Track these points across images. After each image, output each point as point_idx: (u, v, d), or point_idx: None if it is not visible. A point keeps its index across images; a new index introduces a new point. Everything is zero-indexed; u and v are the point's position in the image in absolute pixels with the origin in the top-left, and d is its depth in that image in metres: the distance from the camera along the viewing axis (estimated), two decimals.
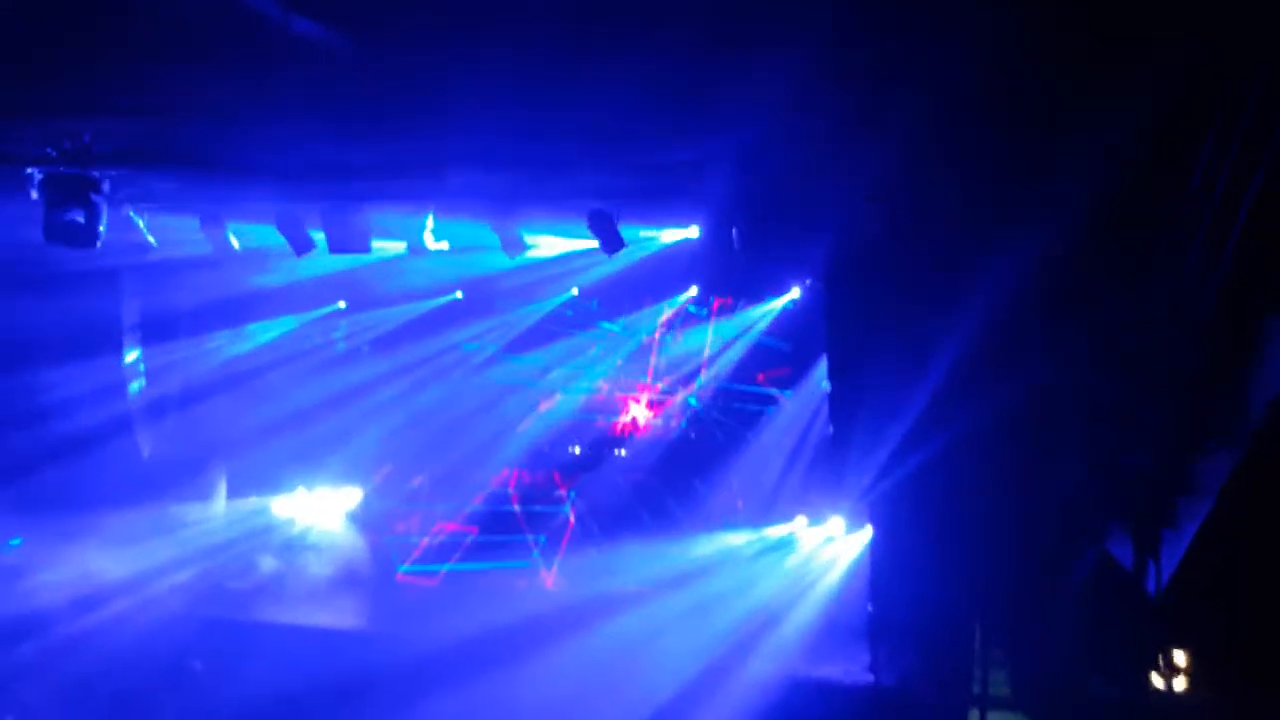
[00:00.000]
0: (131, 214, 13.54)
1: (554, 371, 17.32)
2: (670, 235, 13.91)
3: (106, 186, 10.44)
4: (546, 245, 13.88)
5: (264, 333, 17.25)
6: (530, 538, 16.49)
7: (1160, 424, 9.07)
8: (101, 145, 9.84)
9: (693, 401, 16.95)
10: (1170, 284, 8.33)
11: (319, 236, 13.17)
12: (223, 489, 17.72)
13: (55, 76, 8.94)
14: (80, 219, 10.20)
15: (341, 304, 17.47)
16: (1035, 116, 8.45)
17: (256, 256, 14.31)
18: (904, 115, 8.68)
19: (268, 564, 16.62)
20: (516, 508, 17.00)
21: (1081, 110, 8.06)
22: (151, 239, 13.99)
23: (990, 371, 10.24)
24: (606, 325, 17.07)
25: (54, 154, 10.01)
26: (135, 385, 16.56)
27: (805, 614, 14.08)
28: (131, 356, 16.38)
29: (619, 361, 17.26)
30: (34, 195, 10.19)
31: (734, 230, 12.31)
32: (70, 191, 10.11)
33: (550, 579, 16.13)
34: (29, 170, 10.02)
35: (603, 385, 17.27)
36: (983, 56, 7.50)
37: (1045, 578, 10.62)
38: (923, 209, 10.43)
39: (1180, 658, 9.44)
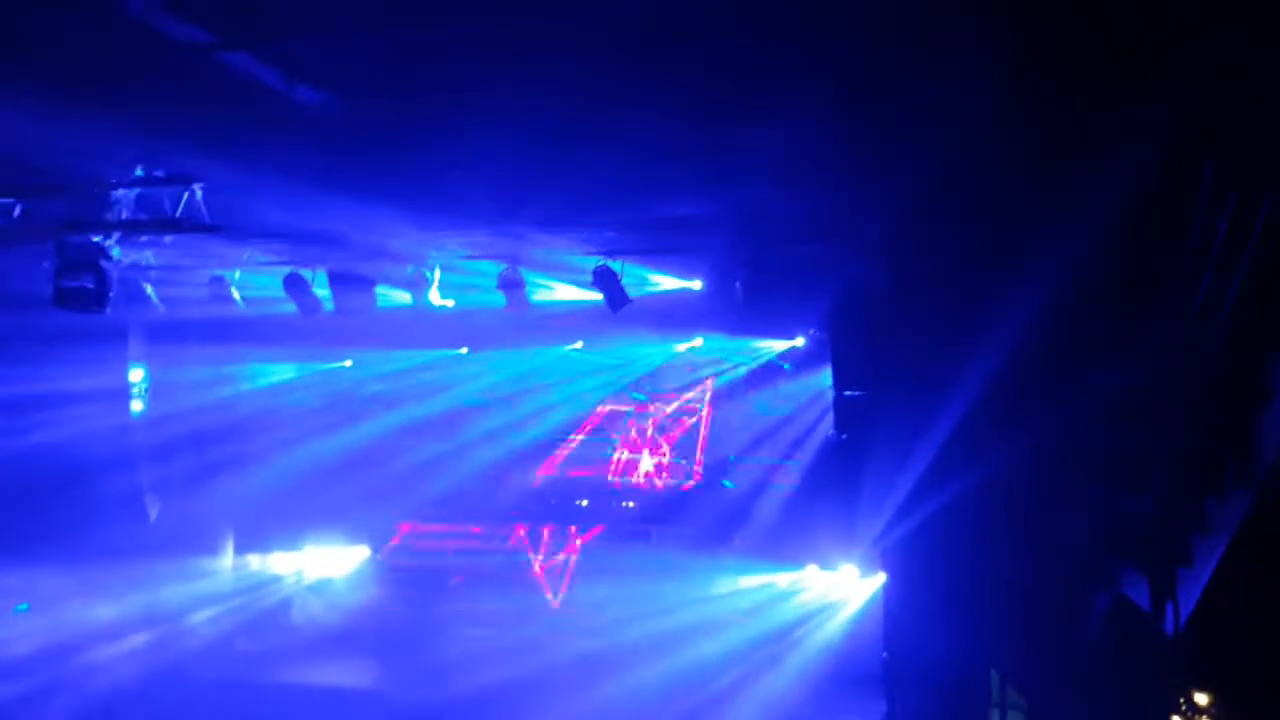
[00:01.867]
0: (139, 280, 13.77)
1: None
2: (673, 284, 13.98)
3: (116, 253, 10.52)
4: (557, 292, 13.95)
5: (265, 376, 17.20)
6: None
7: (1171, 466, 9.09)
8: (113, 214, 9.94)
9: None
10: (1175, 330, 8.39)
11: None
12: (230, 545, 17.69)
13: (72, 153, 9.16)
14: (90, 285, 10.28)
15: (348, 363, 17.52)
16: (1039, 171, 8.58)
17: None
18: (908, 172, 8.82)
19: (295, 614, 16.56)
20: (532, 559, 17.02)
21: (1083, 164, 8.18)
22: (158, 303, 14.19)
23: (999, 420, 10.29)
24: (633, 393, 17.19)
25: (64, 222, 10.11)
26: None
27: (818, 661, 14.01)
28: (137, 406, 16.36)
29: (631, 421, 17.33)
30: (45, 264, 10.26)
31: (737, 283, 12.44)
32: (80, 258, 10.19)
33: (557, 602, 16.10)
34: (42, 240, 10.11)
35: (614, 438, 17.30)
36: (985, 113, 7.64)
37: (1061, 622, 10.57)
38: (928, 263, 10.54)
39: (1202, 699, 9.36)
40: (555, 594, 16.60)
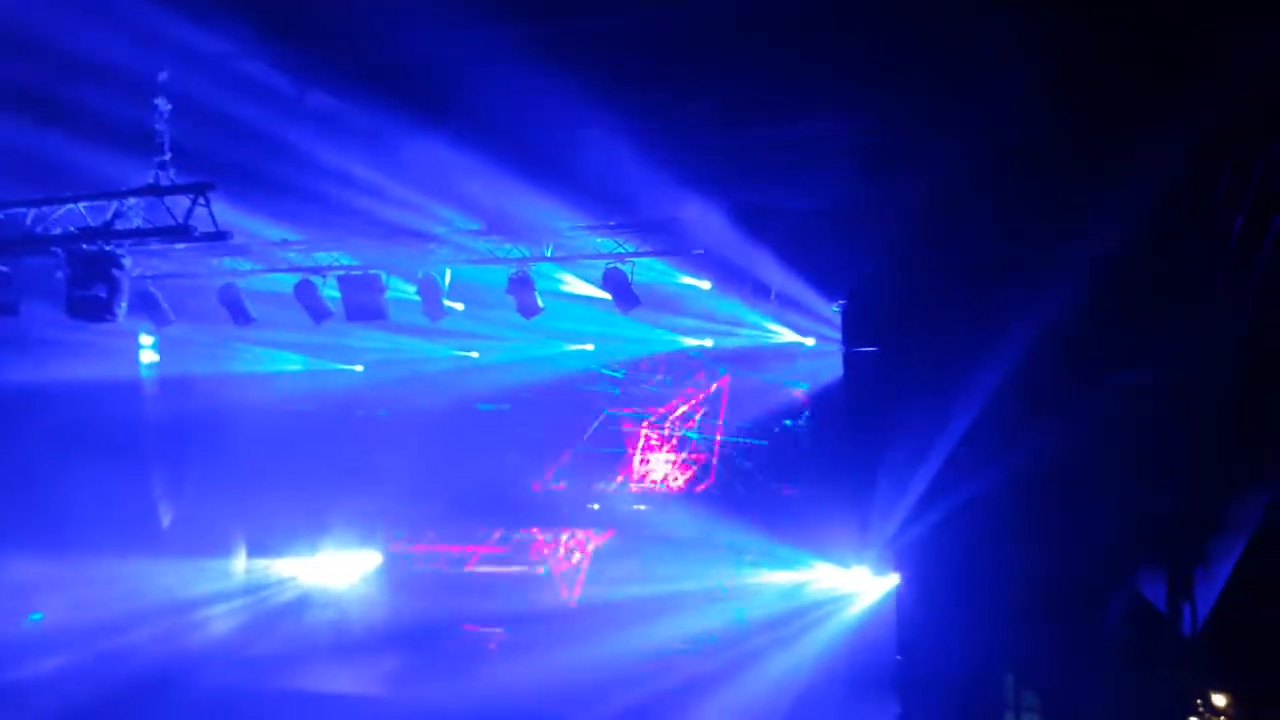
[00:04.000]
0: (151, 288, 13.80)
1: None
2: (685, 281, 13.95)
3: (128, 263, 10.53)
4: (570, 285, 13.94)
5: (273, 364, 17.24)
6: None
7: (1189, 467, 9.05)
8: (123, 222, 9.96)
9: (694, 436, 16.93)
10: (1195, 328, 8.36)
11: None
12: (242, 549, 17.74)
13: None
14: (103, 294, 10.28)
15: (359, 368, 17.53)
16: (1068, 168, 8.54)
17: None
18: (934, 166, 8.79)
19: (307, 618, 16.59)
20: (541, 568, 17.02)
21: (1114, 162, 8.14)
22: (169, 312, 14.21)
23: (1018, 421, 10.25)
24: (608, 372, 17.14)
25: (77, 231, 10.13)
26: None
27: (828, 662, 13.95)
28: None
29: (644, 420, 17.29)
30: (58, 274, 10.27)
31: (747, 286, 12.43)
32: (93, 267, 10.19)
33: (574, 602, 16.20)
34: (54, 249, 10.11)
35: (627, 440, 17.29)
36: (1016, 110, 7.61)
37: (1078, 623, 10.54)
38: (944, 265, 10.51)
39: (1220, 700, 9.33)
40: (570, 594, 16.59)
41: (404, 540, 17.70)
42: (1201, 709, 9.49)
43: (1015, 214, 9.51)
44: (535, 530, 17.28)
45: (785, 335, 15.48)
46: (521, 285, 12.90)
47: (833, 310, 13.63)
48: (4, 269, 11.09)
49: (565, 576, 17.01)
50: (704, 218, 11.92)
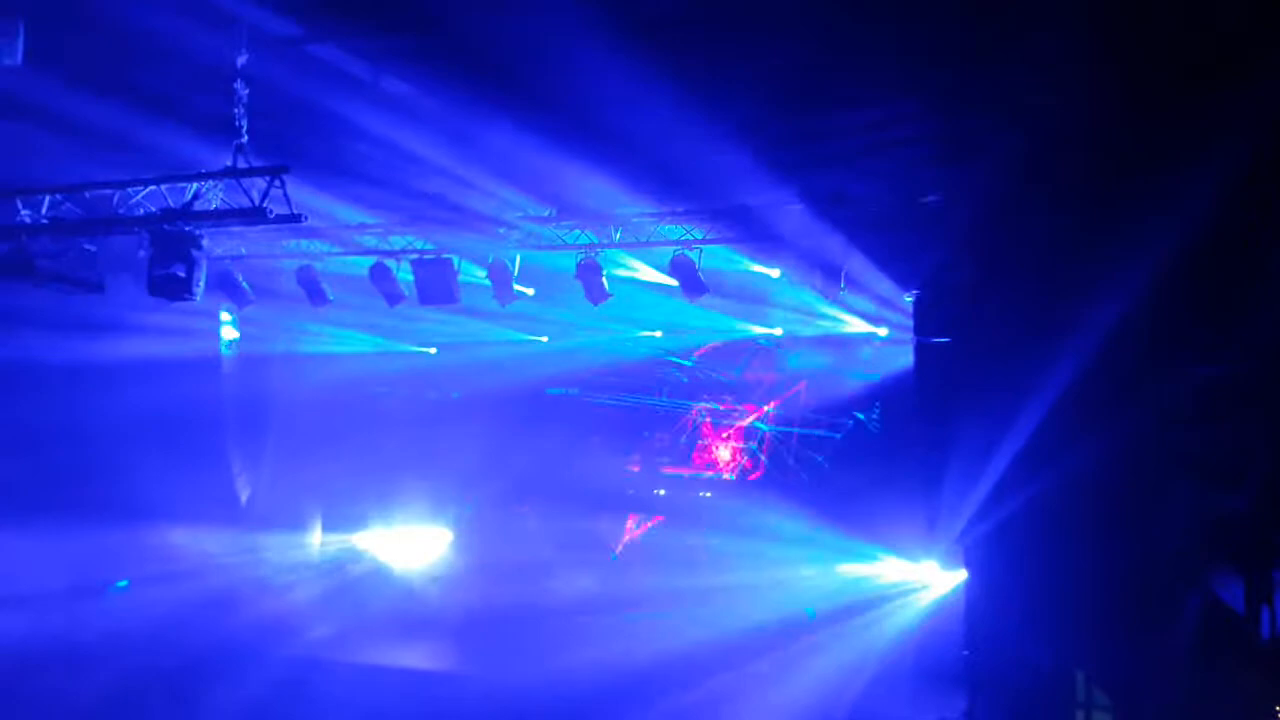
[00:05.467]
0: (231, 269, 14.16)
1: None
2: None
3: (206, 242, 10.78)
4: (640, 272, 13.95)
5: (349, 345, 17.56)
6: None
7: (1265, 466, 8.76)
8: (202, 203, 10.21)
9: (763, 427, 16.82)
10: (1271, 322, 8.08)
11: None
12: (318, 524, 18.14)
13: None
14: (181, 273, 10.54)
15: (433, 350, 17.77)
16: (1133, 158, 8.31)
17: None
18: (992, 163, 8.64)
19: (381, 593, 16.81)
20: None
21: (1179, 151, 7.91)
22: (249, 291, 14.57)
23: (1089, 418, 10.01)
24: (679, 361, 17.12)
25: (158, 212, 10.40)
26: None
27: (895, 655, 13.82)
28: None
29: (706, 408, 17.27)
30: (141, 253, 10.56)
31: (817, 274, 12.32)
32: (173, 247, 10.45)
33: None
34: (137, 229, 10.41)
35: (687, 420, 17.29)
36: (1072, 102, 7.43)
37: (1151, 623, 10.27)
38: (1014, 256, 10.31)
39: None
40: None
41: (475, 518, 17.92)
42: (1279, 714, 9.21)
43: (1085, 206, 9.28)
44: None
45: (856, 325, 15.32)
46: (589, 271, 12.95)
47: (905, 300, 13.45)
48: (91, 248, 11.43)
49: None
50: (774, 204, 11.85)
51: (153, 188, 10.43)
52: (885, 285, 13.24)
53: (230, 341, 16.89)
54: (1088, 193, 9.06)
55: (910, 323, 13.49)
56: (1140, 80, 7.38)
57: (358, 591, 17.46)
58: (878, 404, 16.08)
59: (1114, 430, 9.85)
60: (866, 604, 15.02)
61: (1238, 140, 7.52)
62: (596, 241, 13.05)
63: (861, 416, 16.27)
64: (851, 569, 15.53)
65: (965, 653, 12.73)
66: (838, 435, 16.55)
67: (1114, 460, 10.01)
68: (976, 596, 12.48)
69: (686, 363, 17.06)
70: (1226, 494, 9.39)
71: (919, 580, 14.91)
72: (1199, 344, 9.17)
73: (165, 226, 10.35)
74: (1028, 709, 11.57)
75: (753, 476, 16.99)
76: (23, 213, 10.78)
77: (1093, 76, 7.18)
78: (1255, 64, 6.86)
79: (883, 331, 15.40)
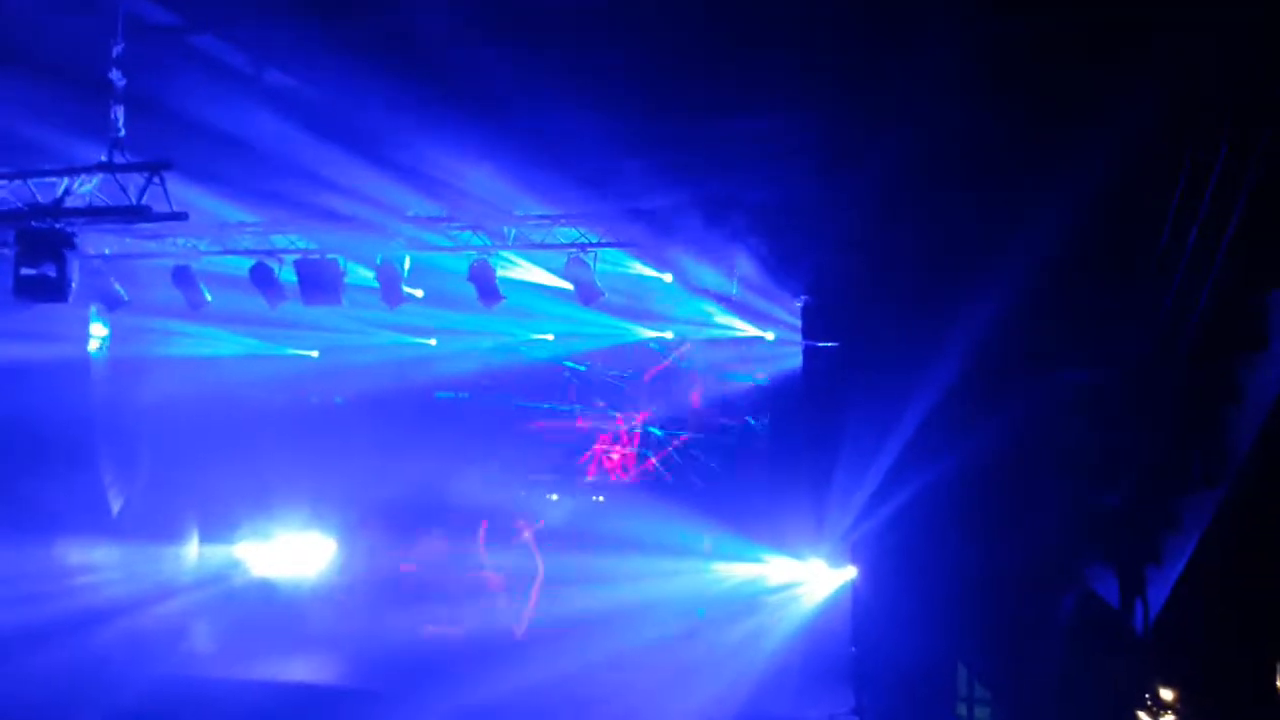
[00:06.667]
0: (102, 269, 13.55)
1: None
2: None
3: (78, 241, 10.28)
4: (526, 273, 13.84)
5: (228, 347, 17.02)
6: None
7: (1141, 464, 9.16)
8: (75, 200, 9.73)
9: (656, 431, 16.92)
10: (1147, 328, 8.45)
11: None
12: (195, 535, 17.49)
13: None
14: (52, 274, 10.02)
15: (315, 353, 17.32)
16: (1013, 166, 8.60)
17: None
18: (877, 168, 8.85)
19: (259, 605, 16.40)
20: (484, 563, 16.92)
21: (1053, 161, 8.22)
22: (122, 292, 13.96)
23: (969, 417, 10.34)
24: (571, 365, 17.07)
25: (24, 208, 9.87)
26: None
27: (784, 654, 14.00)
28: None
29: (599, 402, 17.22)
30: (4, 250, 10.01)
31: (708, 279, 12.46)
32: (43, 246, 9.93)
33: (521, 628, 16.06)
34: (2, 226, 9.87)
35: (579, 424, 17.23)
36: (957, 103, 7.65)
37: (1029, 618, 10.65)
38: (898, 260, 10.58)
39: (1168, 695, 9.45)
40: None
41: (356, 532, 17.52)
42: (1150, 703, 9.62)
43: (964, 210, 9.61)
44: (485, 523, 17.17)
45: (746, 329, 15.50)
46: (482, 273, 12.80)
47: (795, 304, 13.68)
48: None
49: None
50: (667, 209, 11.90)
51: (18, 182, 9.90)
52: (775, 290, 13.44)
53: (100, 344, 16.14)
54: (966, 198, 9.35)
55: (799, 326, 13.75)
56: (1014, 87, 7.65)
57: (237, 604, 16.88)
58: (767, 407, 16.29)
59: (994, 430, 10.18)
60: (755, 603, 15.18)
61: (1107, 146, 7.85)
62: (490, 244, 12.90)
63: (752, 421, 16.46)
64: (740, 569, 15.68)
65: (853, 649, 13.00)
66: (724, 436, 16.72)
67: (995, 459, 10.36)
68: (864, 593, 12.76)
69: (580, 367, 17.01)
70: (1101, 492, 9.78)
71: (806, 579, 15.14)
72: (1069, 351, 9.56)
73: (34, 224, 9.82)
74: (912, 703, 11.87)
75: (642, 480, 17.03)
76: None
77: (968, 85, 7.42)
78: (1123, 72, 7.17)
79: (770, 336, 15.63)
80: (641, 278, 13.74)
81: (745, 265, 12.79)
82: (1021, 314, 9.76)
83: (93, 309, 15.61)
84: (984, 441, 10.29)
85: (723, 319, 15.06)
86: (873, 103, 8.97)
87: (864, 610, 12.77)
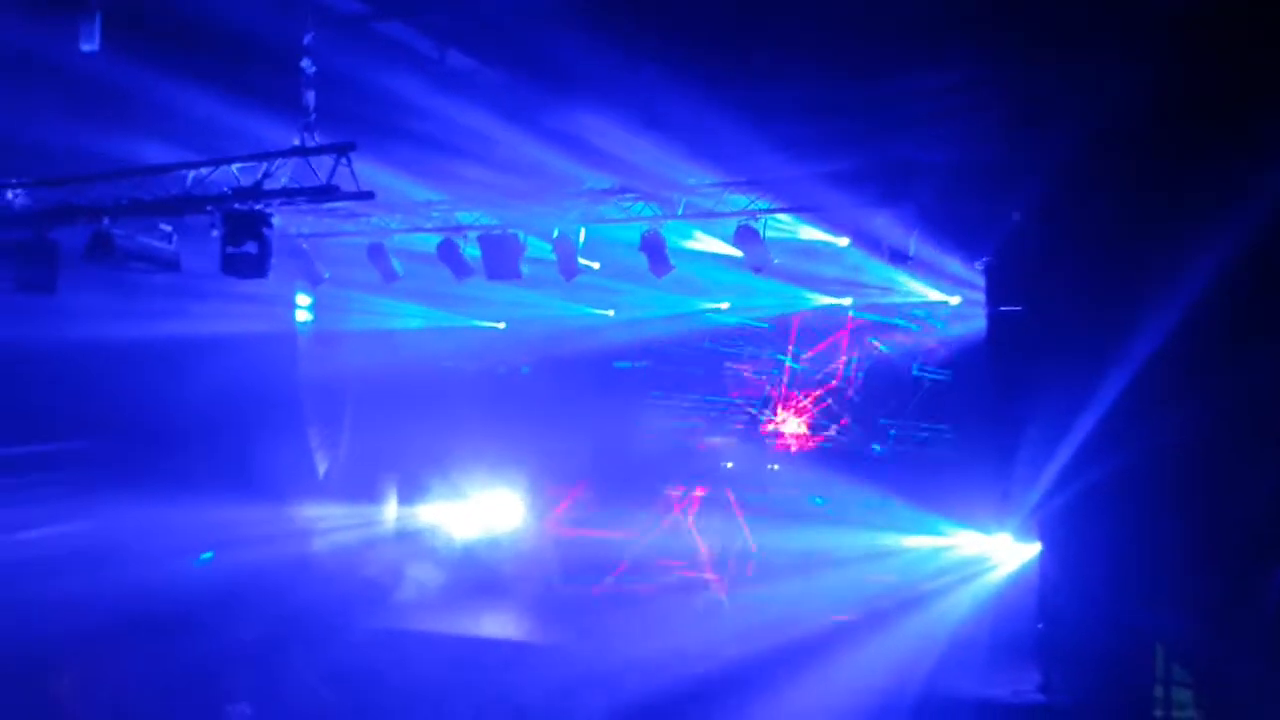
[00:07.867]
0: (304, 246, 14.39)
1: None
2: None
3: (277, 221, 10.95)
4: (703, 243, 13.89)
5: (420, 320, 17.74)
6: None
7: None
8: (272, 182, 10.36)
9: (831, 399, 16.70)
10: None
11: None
12: (394, 496, 18.45)
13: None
14: (253, 251, 10.72)
15: (502, 325, 17.91)
16: (1218, 125, 8.02)
17: None
18: (1070, 128, 8.41)
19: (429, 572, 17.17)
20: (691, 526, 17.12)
21: (1266, 117, 7.62)
22: (324, 270, 14.82)
23: (1169, 389, 9.74)
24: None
25: (230, 191, 10.58)
26: None
27: (969, 629, 13.65)
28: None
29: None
30: (214, 232, 10.77)
31: (885, 243, 12.16)
32: (245, 226, 10.64)
33: (723, 590, 16.24)
34: (209, 208, 10.61)
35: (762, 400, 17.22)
36: (1157, 60, 7.19)
37: (1234, 600, 10.01)
38: (1094, 222, 10.03)
39: None
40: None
41: (545, 495, 18.07)
42: None
43: (1163, 176, 8.98)
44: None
45: (928, 294, 15.08)
46: (653, 244, 12.89)
47: (975, 268, 13.22)
48: (167, 228, 11.68)
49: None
50: (840, 174, 11.68)
51: (225, 167, 10.62)
52: (956, 254, 13.02)
53: (306, 319, 17.21)
54: (1165, 165, 8.77)
55: (982, 291, 13.27)
56: (1223, 43, 7.11)
57: (433, 561, 17.70)
58: (949, 373, 15.83)
59: (1197, 402, 9.58)
60: (939, 578, 14.86)
61: None
62: (660, 213, 12.99)
63: (931, 377, 15.99)
64: (923, 542, 15.37)
65: (1039, 626, 12.57)
66: (907, 406, 16.35)
67: (1197, 433, 9.74)
68: (1051, 569, 12.30)
69: (763, 325, 16.91)
70: None
71: (992, 553, 14.70)
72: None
73: (236, 206, 10.53)
74: (1105, 682, 11.38)
75: (817, 448, 16.87)
76: (101, 194, 11.07)
77: (1167, 50, 6.95)
78: None
79: (954, 300, 15.14)
80: (816, 243, 13.54)
81: (926, 227, 12.41)
82: (1224, 283, 9.11)
83: (297, 286, 16.65)
84: (1183, 417, 9.69)
85: (903, 283, 14.70)
86: (1063, 67, 8.55)
87: (1051, 587, 12.33)
